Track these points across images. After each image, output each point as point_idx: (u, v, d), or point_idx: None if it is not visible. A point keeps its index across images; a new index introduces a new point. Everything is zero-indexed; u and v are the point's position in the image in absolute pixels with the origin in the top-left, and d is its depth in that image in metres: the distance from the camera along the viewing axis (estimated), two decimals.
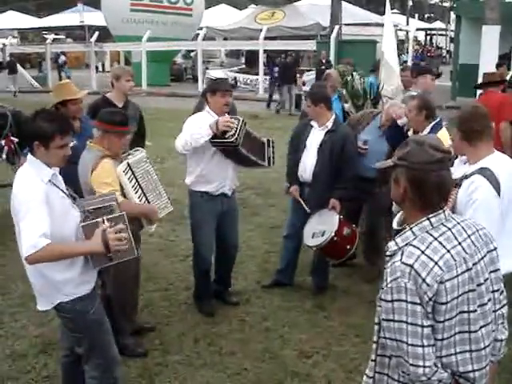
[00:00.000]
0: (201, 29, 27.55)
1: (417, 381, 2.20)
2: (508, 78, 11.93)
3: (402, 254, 2.21)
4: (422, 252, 2.18)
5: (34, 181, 3.14)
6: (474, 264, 2.24)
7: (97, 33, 28.09)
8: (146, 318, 5.20)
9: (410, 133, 5.27)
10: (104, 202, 3.44)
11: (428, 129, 4.98)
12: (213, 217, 5.15)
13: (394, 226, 3.88)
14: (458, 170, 3.57)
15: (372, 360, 2.44)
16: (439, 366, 2.21)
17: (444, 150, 2.28)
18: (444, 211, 2.28)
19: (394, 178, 2.33)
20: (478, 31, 15.99)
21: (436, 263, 2.16)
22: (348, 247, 5.21)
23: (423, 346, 2.16)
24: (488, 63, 13.83)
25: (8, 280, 5.96)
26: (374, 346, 2.42)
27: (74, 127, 5.03)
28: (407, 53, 26.26)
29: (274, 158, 5.24)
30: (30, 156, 3.25)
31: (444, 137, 4.74)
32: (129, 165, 4.21)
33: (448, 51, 44.89)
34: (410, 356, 2.17)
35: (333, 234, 5.06)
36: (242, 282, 5.98)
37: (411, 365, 2.17)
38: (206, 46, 26.95)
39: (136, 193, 4.24)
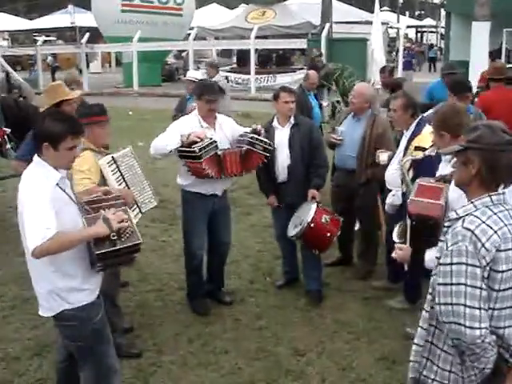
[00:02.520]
0: (192, 29, 27.48)
1: (471, 344, 2.27)
2: None
3: (463, 221, 2.36)
4: (483, 222, 2.33)
5: (43, 182, 3.07)
6: None
7: (87, 34, 28.00)
8: (139, 319, 5.21)
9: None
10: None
11: (413, 126, 5.01)
12: (204, 214, 5.18)
13: (395, 238, 3.89)
14: (445, 168, 3.62)
15: (423, 328, 2.56)
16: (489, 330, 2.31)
17: (509, 132, 2.45)
18: (504, 193, 2.44)
19: (462, 160, 2.46)
20: (469, 28, 16.01)
21: (495, 232, 2.31)
22: (328, 235, 5.16)
23: (480, 309, 2.26)
24: (478, 59, 13.88)
25: (0, 283, 5.95)
26: (426, 314, 2.54)
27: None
28: (397, 51, 26.29)
29: (269, 144, 5.09)
30: (36, 157, 3.18)
31: (430, 132, 4.78)
32: (113, 158, 4.32)
33: (439, 48, 45.03)
34: (468, 318, 2.26)
35: (309, 220, 5.03)
36: (236, 281, 5.99)
37: (468, 327, 2.26)
38: (197, 45, 26.85)
39: (119, 185, 4.32)
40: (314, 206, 5.15)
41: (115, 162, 4.33)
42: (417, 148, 4.64)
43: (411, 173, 4.53)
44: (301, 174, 5.33)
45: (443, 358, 2.48)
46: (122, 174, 4.38)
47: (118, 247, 3.19)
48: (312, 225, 5.05)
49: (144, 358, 4.59)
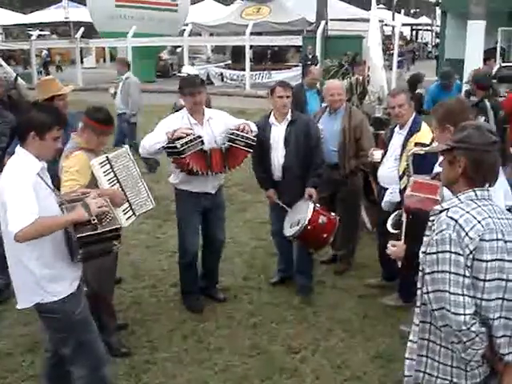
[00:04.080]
0: (186, 25, 27.42)
1: (457, 330, 2.33)
2: (494, 72, 12.01)
3: (447, 211, 2.42)
4: (467, 212, 2.39)
5: (25, 171, 3.12)
6: (510, 242, 2.42)
7: (82, 29, 27.87)
8: (133, 316, 5.20)
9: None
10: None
11: (409, 124, 5.00)
12: (196, 211, 5.18)
13: (389, 228, 3.87)
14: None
15: (416, 325, 2.62)
16: (478, 319, 2.35)
17: (495, 133, 2.54)
18: (488, 190, 2.50)
19: (449, 159, 2.54)
20: (464, 26, 16.01)
21: (479, 222, 2.36)
22: (324, 236, 5.11)
23: (463, 295, 2.33)
24: (474, 58, 13.87)
25: None
26: (418, 310, 2.60)
27: None
28: (391, 49, 26.30)
29: (252, 140, 4.99)
30: (19, 148, 3.22)
31: (428, 129, 4.78)
32: (107, 158, 4.22)
33: (433, 46, 45.09)
34: (452, 304, 2.33)
35: (306, 223, 4.98)
36: (230, 278, 5.97)
37: (453, 313, 2.33)
38: (191, 41, 26.80)
39: (112, 187, 4.22)
40: (311, 207, 5.08)
41: (109, 163, 4.21)
42: (417, 144, 4.63)
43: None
44: (296, 173, 5.26)
45: (443, 353, 2.51)
46: (116, 175, 4.25)
47: (99, 231, 3.19)
48: (309, 227, 4.99)
49: (138, 354, 4.57)
